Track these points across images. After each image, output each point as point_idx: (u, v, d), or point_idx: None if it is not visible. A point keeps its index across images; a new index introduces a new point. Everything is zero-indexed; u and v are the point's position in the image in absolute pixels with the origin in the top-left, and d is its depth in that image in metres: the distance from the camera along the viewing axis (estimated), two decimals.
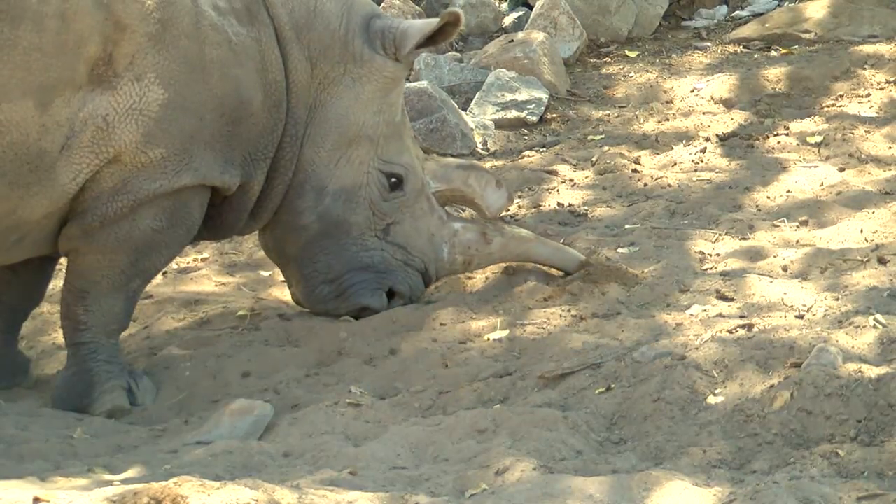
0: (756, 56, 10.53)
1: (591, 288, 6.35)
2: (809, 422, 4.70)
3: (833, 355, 5.04)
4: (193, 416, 5.65)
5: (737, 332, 5.56)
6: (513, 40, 10.12)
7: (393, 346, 6.07)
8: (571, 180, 8.29)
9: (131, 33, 5.54)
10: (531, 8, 10.97)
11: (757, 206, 7.60)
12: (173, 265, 7.27)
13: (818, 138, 8.58)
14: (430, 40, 6.34)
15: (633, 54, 10.84)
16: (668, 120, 9.35)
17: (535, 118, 9.49)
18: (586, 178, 8.31)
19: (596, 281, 6.38)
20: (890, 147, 8.39)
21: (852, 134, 8.56)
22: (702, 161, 8.41)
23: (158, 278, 7.04)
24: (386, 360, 5.98)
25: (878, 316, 5.56)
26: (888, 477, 4.39)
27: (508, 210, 7.16)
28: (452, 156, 8.66)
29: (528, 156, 8.85)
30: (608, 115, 9.60)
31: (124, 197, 5.68)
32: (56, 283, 6.37)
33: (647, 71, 10.40)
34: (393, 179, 6.40)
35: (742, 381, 5.06)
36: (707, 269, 6.55)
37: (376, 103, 6.30)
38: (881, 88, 9.53)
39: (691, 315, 5.92)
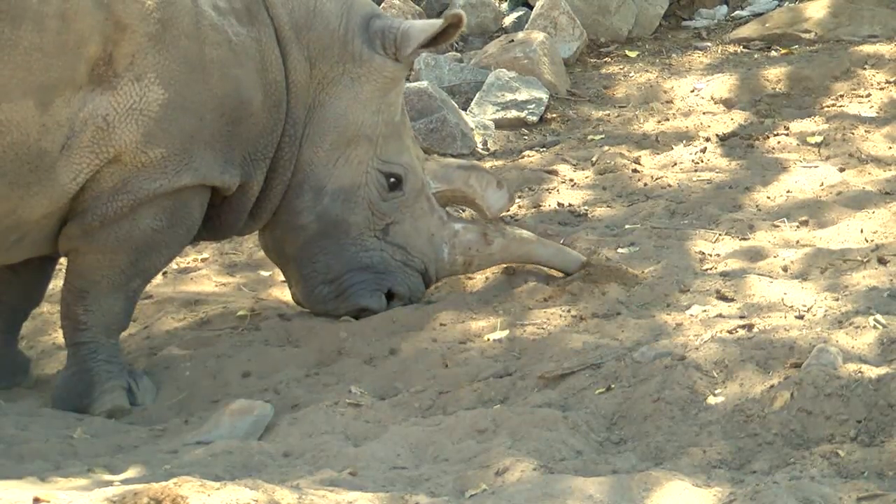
0: (756, 56, 10.53)
1: (592, 288, 6.35)
2: (809, 422, 4.70)
3: (833, 355, 5.04)
4: (193, 416, 5.65)
5: (737, 332, 5.56)
6: (513, 40, 10.12)
7: (393, 346, 6.07)
8: (571, 180, 8.29)
9: (131, 33, 5.54)
10: (531, 8, 10.97)
11: (757, 206, 7.60)
12: (173, 265, 7.27)
13: (818, 138, 8.58)
14: (432, 41, 6.34)
15: (633, 54, 10.84)
16: (668, 120, 9.35)
17: (535, 118, 9.49)
18: (586, 178, 8.31)
19: (596, 281, 6.38)
20: (890, 147, 8.39)
21: (852, 134, 8.57)
22: (702, 161, 8.41)
23: (158, 278, 7.04)
24: (386, 360, 5.98)
25: (878, 316, 5.56)
26: (888, 477, 4.39)
27: (508, 210, 7.16)
28: (452, 156, 8.66)
29: (529, 156, 8.85)
30: (608, 115, 9.61)
31: (124, 197, 5.68)
32: (56, 283, 6.37)
33: (647, 71, 10.40)
34: (392, 179, 6.39)
35: (742, 381, 5.06)
36: (707, 270, 6.55)
37: (375, 103, 6.30)
38: (881, 88, 9.53)
39: (691, 315, 5.92)
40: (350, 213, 6.33)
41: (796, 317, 5.76)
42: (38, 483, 4.55)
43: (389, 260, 6.43)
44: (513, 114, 9.46)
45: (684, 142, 8.78)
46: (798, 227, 7.16)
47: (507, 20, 11.23)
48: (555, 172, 8.39)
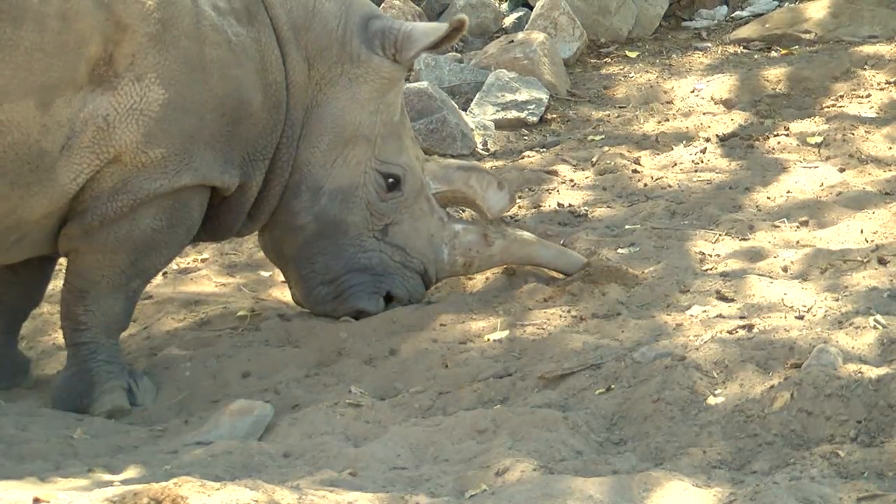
0: (756, 56, 10.54)
1: (592, 288, 6.35)
2: (809, 422, 4.70)
3: (833, 356, 5.04)
4: (193, 416, 5.65)
5: (737, 332, 5.56)
6: (513, 41, 10.12)
7: (393, 347, 6.07)
8: (571, 181, 8.29)
9: (132, 33, 5.54)
10: (531, 8, 10.97)
11: (757, 206, 7.60)
12: (173, 266, 7.27)
13: (818, 139, 8.58)
14: (434, 45, 6.36)
15: (633, 55, 10.84)
16: (668, 120, 9.36)
17: (535, 118, 9.49)
18: (586, 178, 8.31)
19: (596, 281, 6.38)
20: (890, 147, 8.39)
21: (852, 134, 8.57)
22: (702, 161, 8.41)
23: (158, 279, 7.04)
24: (386, 360, 5.98)
25: (879, 316, 5.56)
26: (888, 477, 4.39)
27: (509, 211, 7.16)
28: (452, 156, 8.66)
29: (529, 156, 8.85)
30: (608, 116, 9.61)
31: (124, 196, 5.68)
32: (56, 283, 6.38)
33: (647, 71, 10.41)
34: (390, 180, 6.39)
35: (742, 381, 5.06)
36: (707, 270, 6.55)
37: (373, 103, 6.30)
38: (881, 89, 9.54)
39: (691, 315, 5.92)
40: (348, 213, 6.33)
41: (796, 317, 5.76)
42: (38, 483, 4.55)
43: (388, 261, 6.43)
44: (513, 114, 9.46)
45: (684, 142, 8.79)
46: (798, 227, 7.16)
47: (508, 20, 11.24)
48: (555, 173, 8.39)
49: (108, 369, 5.83)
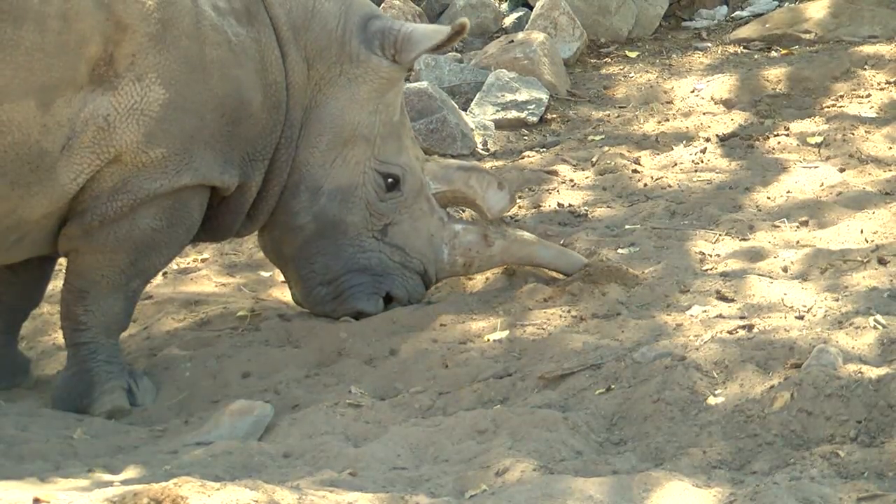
0: (756, 56, 10.54)
1: (592, 288, 6.35)
2: (809, 422, 4.70)
3: (833, 356, 5.04)
4: (193, 416, 5.65)
5: (737, 332, 5.56)
6: (513, 41, 10.12)
7: (393, 347, 6.07)
8: (571, 181, 8.29)
9: (132, 33, 5.54)
10: (531, 8, 10.97)
11: (757, 206, 7.60)
12: (173, 266, 7.27)
13: (818, 139, 8.58)
14: (435, 48, 6.37)
15: (633, 55, 10.84)
16: (668, 120, 9.35)
17: (535, 118, 9.49)
18: (586, 178, 8.31)
19: (596, 281, 6.37)
20: (890, 148, 8.39)
21: (852, 134, 8.57)
22: (702, 161, 8.41)
23: (158, 279, 7.04)
24: (386, 360, 5.98)
25: (879, 317, 5.56)
26: (888, 478, 4.39)
27: (509, 211, 7.16)
28: (453, 156, 8.66)
29: (529, 156, 8.85)
30: (608, 116, 9.61)
31: (124, 196, 5.68)
32: (56, 284, 6.37)
33: (647, 71, 10.41)
34: (390, 180, 6.39)
35: (742, 381, 5.06)
36: (707, 270, 6.55)
37: (372, 103, 6.30)
38: (881, 89, 9.54)
39: (691, 316, 5.92)
40: (347, 213, 6.33)
41: (796, 317, 5.76)
42: (38, 483, 4.55)
43: (388, 261, 6.42)
44: (513, 114, 9.46)
45: (684, 142, 8.79)
46: (798, 227, 7.16)
47: (508, 20, 11.24)
48: (555, 173, 8.39)
49: (108, 369, 5.83)
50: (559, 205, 7.87)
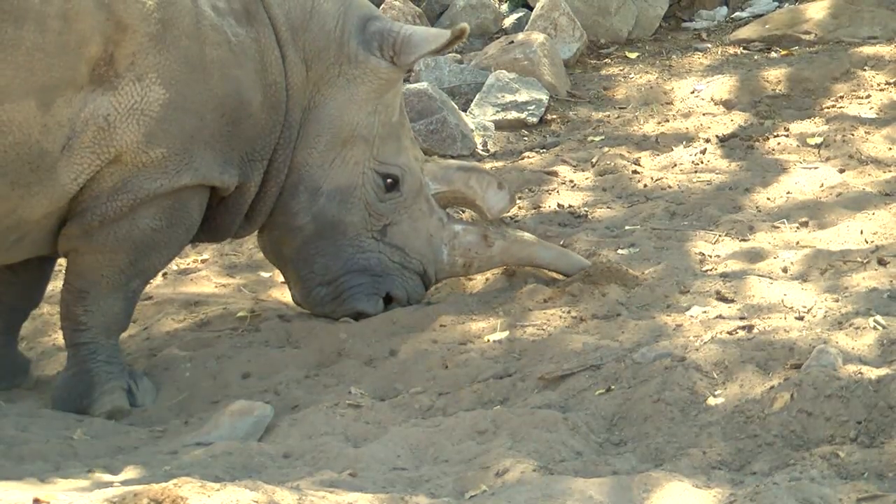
0: (756, 57, 10.54)
1: (591, 289, 6.35)
2: (809, 423, 4.70)
3: (833, 356, 5.04)
4: (193, 417, 5.65)
5: (737, 333, 5.56)
6: (513, 41, 10.12)
7: (393, 348, 6.07)
8: (571, 181, 8.29)
9: (132, 33, 5.54)
10: (531, 9, 10.97)
11: (757, 207, 7.60)
12: (173, 266, 7.27)
13: (818, 139, 8.58)
14: (434, 52, 6.38)
15: (633, 55, 10.84)
16: (668, 121, 9.36)
17: (535, 119, 9.49)
18: (586, 179, 8.32)
19: (596, 282, 6.37)
20: (890, 148, 8.39)
21: (852, 135, 8.57)
22: (702, 162, 8.41)
23: (158, 279, 7.04)
24: (386, 361, 5.98)
25: (878, 317, 5.56)
26: (888, 478, 4.39)
27: (509, 212, 7.16)
28: (452, 157, 8.67)
29: (528, 157, 8.85)
30: (608, 117, 9.61)
31: (124, 196, 5.68)
32: (56, 284, 6.38)
33: (647, 72, 10.41)
34: (389, 180, 6.39)
35: (742, 382, 5.06)
36: (707, 271, 6.55)
37: (371, 104, 6.30)
38: (881, 90, 9.54)
39: (691, 316, 5.92)
40: (347, 213, 6.33)
41: (796, 318, 5.76)
42: (38, 484, 4.55)
43: (387, 261, 6.42)
44: (513, 115, 9.46)
45: (684, 143, 8.79)
46: (798, 228, 7.16)
47: (507, 21, 11.24)
48: (555, 174, 8.39)
49: (108, 370, 5.83)
50: (559, 205, 7.87)
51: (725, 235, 7.07)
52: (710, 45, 10.93)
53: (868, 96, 9.42)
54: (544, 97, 9.60)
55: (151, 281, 6.41)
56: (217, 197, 6.03)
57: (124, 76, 5.55)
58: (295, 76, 6.10)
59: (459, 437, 4.96)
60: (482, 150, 9.08)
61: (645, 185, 8.09)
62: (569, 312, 6.17)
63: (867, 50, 10.21)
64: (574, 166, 8.57)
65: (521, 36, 10.22)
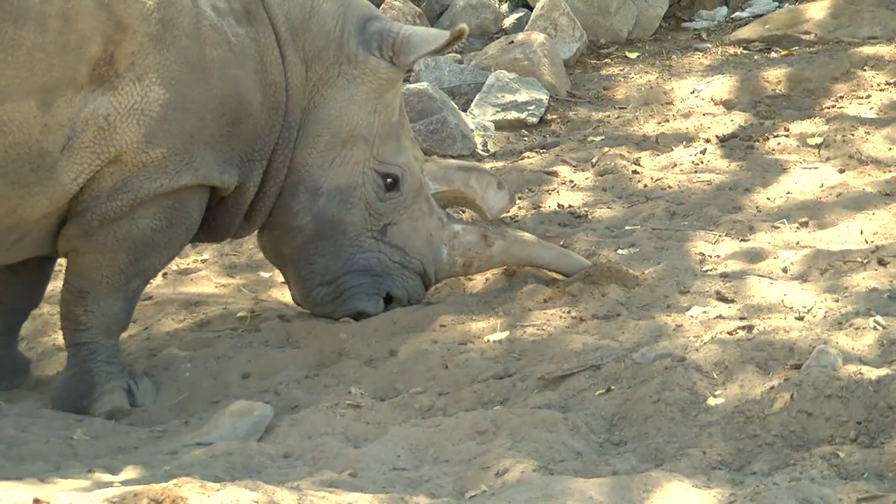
0: (756, 57, 10.54)
1: (591, 289, 6.35)
2: (809, 423, 4.70)
3: (833, 357, 5.04)
4: (193, 417, 5.65)
5: (737, 333, 5.56)
6: (513, 41, 10.12)
7: (393, 348, 6.07)
8: (571, 181, 8.29)
9: (132, 33, 5.55)
10: (531, 9, 10.97)
11: (757, 207, 7.60)
12: (173, 266, 7.27)
13: (818, 140, 8.58)
14: (434, 53, 6.38)
15: (633, 55, 10.84)
16: (668, 121, 9.36)
17: (535, 119, 9.49)
18: (586, 179, 8.32)
19: (596, 282, 6.37)
20: (890, 148, 8.39)
21: (852, 135, 8.57)
22: (702, 162, 8.41)
23: (158, 279, 7.04)
24: (386, 361, 5.98)
25: (878, 317, 5.56)
26: (888, 478, 4.39)
27: (509, 212, 7.16)
28: (452, 157, 8.67)
29: (528, 157, 8.85)
30: (608, 117, 9.61)
31: (124, 196, 5.68)
32: (56, 284, 6.38)
33: (647, 72, 10.41)
34: (389, 180, 6.39)
35: (742, 382, 5.06)
36: (707, 271, 6.55)
37: (371, 104, 6.30)
38: (881, 90, 9.54)
39: (691, 316, 5.92)
40: (346, 213, 6.33)
41: (796, 318, 5.76)
42: (38, 484, 4.55)
43: (387, 261, 6.43)
44: (513, 115, 9.46)
45: (684, 143, 8.79)
46: (798, 228, 7.16)
47: (507, 21, 11.24)
48: (555, 174, 8.39)
49: (108, 370, 5.84)
50: (559, 205, 7.87)
51: (725, 235, 7.07)
52: (710, 45, 10.93)
53: (868, 96, 9.42)
54: (544, 97, 9.60)
55: (151, 281, 6.41)
56: (217, 197, 6.03)
57: (124, 76, 5.56)
58: (295, 76, 6.10)
59: (459, 437, 4.96)
60: (482, 150, 9.08)
61: (645, 185, 8.09)
62: (569, 312, 6.17)
63: (867, 50, 10.21)
64: (574, 166, 8.57)
65: (521, 36, 10.22)
